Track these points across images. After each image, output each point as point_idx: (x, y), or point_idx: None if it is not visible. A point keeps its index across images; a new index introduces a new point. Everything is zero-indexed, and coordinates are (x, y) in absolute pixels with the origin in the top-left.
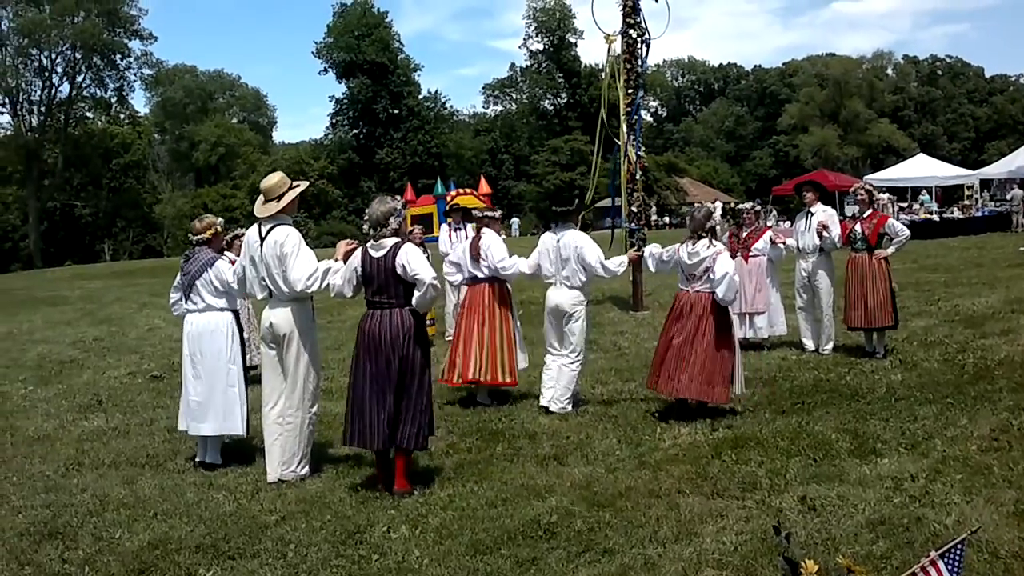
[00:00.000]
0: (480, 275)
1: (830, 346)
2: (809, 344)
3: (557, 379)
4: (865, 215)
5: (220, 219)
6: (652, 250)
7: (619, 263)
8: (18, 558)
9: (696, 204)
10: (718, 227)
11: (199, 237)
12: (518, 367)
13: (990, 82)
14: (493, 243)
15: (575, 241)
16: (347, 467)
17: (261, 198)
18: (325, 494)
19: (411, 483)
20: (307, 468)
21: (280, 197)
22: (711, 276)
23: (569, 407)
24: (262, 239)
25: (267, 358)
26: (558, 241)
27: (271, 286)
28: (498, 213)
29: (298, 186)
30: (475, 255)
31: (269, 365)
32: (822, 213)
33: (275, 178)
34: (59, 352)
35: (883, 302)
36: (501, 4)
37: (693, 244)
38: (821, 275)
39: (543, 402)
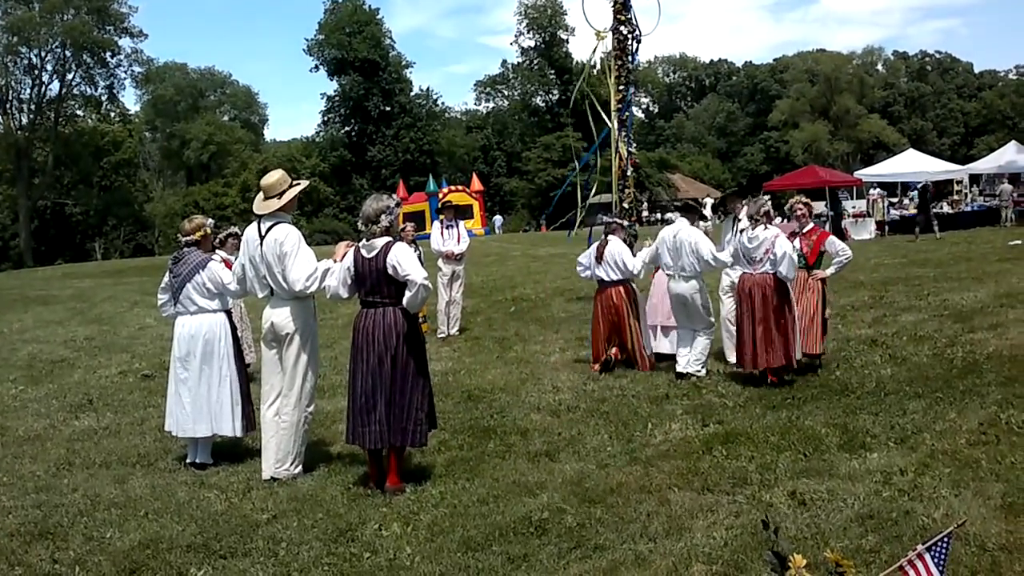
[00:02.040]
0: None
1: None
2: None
3: (692, 346)
4: (805, 230)
5: (210, 220)
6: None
7: (728, 255)
8: (8, 558)
9: (752, 197)
10: (711, 221)
11: (189, 238)
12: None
13: (979, 77)
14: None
15: (690, 236)
16: (339, 465)
17: (261, 195)
18: (317, 492)
19: (403, 481)
20: (300, 467)
21: (281, 195)
22: (772, 257)
23: (703, 371)
24: (262, 237)
25: (267, 356)
26: (675, 236)
27: (272, 284)
28: (625, 222)
29: (298, 184)
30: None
31: (269, 363)
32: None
33: (276, 175)
34: (50, 351)
35: (813, 327)
36: (492, 1)
37: (752, 230)
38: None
39: (679, 368)
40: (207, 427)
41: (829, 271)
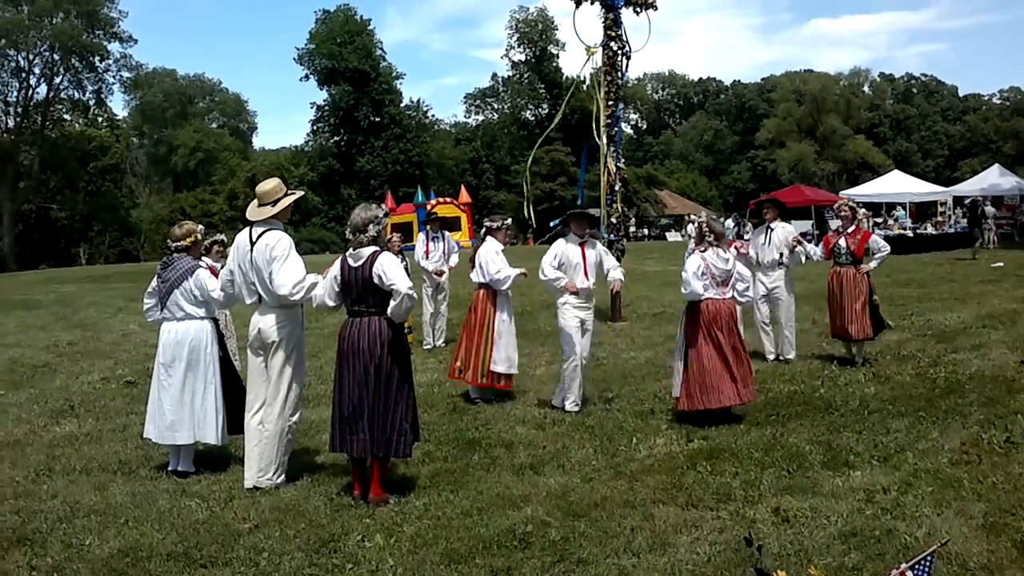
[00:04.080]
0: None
1: (792, 354)
2: (770, 354)
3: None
4: (849, 230)
5: (200, 226)
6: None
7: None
8: None
9: (693, 215)
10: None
11: (178, 244)
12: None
13: (963, 101)
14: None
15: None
16: (322, 475)
17: (256, 202)
18: (299, 502)
19: (387, 492)
20: (283, 477)
21: (275, 202)
22: (736, 281)
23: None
24: (252, 243)
25: (252, 364)
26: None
27: (260, 291)
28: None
29: (293, 194)
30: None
31: (254, 371)
32: (781, 229)
33: (272, 183)
34: (32, 356)
35: (864, 314)
36: (484, 14)
37: (725, 251)
38: (782, 288)
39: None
40: (188, 434)
41: (872, 264)
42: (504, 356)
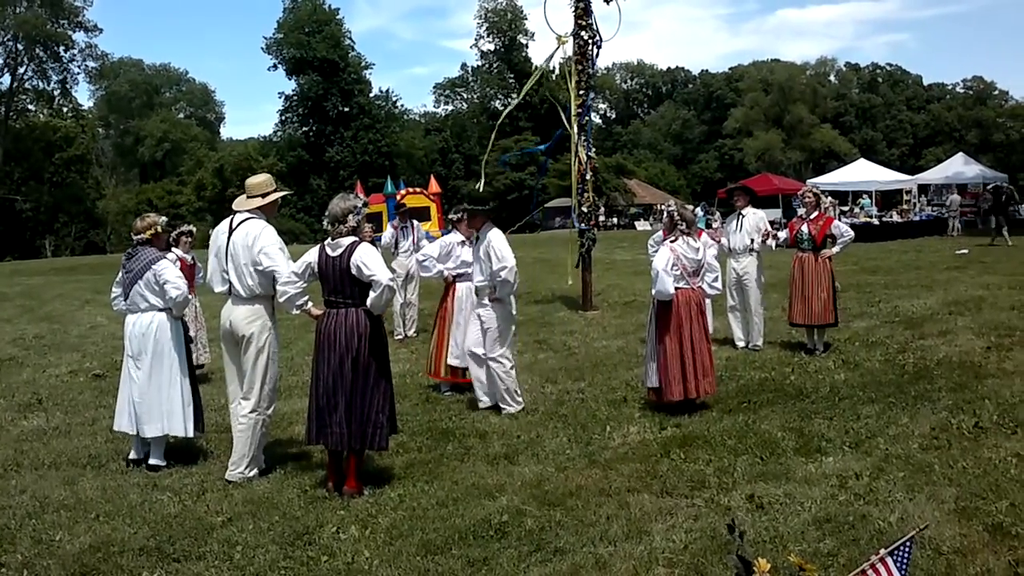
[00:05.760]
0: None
1: (760, 341)
2: (740, 341)
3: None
4: (812, 216)
5: (163, 218)
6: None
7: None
8: None
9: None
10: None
11: (140, 236)
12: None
13: (928, 90)
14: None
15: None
16: (295, 467)
17: (244, 195)
18: (273, 495)
19: (361, 483)
20: (255, 471)
21: (264, 195)
22: (706, 271)
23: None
24: (231, 231)
25: (226, 357)
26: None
27: (235, 280)
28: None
29: (282, 189)
30: None
31: (228, 364)
32: (752, 215)
33: (262, 177)
34: None
35: (826, 300)
36: (453, 4)
37: (695, 240)
38: (750, 274)
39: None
40: (158, 427)
41: (835, 250)
42: (460, 350)
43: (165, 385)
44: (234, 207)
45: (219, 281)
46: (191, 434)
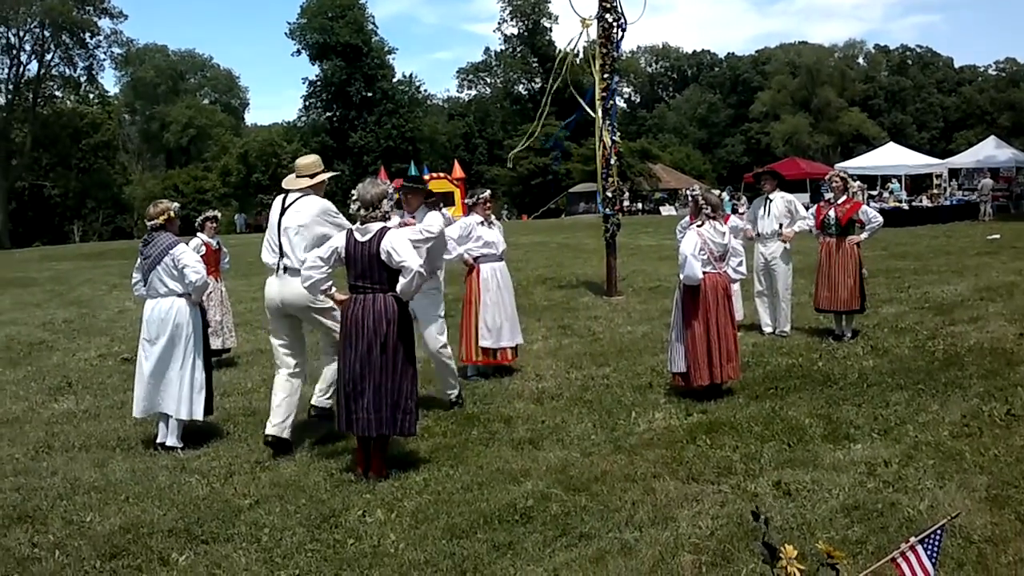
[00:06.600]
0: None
1: (788, 327)
2: (767, 327)
3: None
4: (839, 201)
5: (175, 204)
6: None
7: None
8: None
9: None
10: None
11: (153, 222)
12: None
13: (959, 72)
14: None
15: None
16: (322, 451)
17: (293, 175)
18: (299, 478)
19: (387, 467)
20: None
21: (313, 175)
22: (731, 256)
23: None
24: (284, 209)
25: (276, 329)
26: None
27: (290, 252)
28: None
29: (330, 171)
30: None
31: (277, 335)
32: (780, 200)
33: (311, 158)
34: (28, 334)
35: (852, 286)
36: None
37: (722, 224)
38: (779, 260)
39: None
40: (173, 407)
41: (863, 236)
42: (488, 330)
43: (176, 368)
44: (284, 185)
45: (269, 254)
46: (200, 418)
